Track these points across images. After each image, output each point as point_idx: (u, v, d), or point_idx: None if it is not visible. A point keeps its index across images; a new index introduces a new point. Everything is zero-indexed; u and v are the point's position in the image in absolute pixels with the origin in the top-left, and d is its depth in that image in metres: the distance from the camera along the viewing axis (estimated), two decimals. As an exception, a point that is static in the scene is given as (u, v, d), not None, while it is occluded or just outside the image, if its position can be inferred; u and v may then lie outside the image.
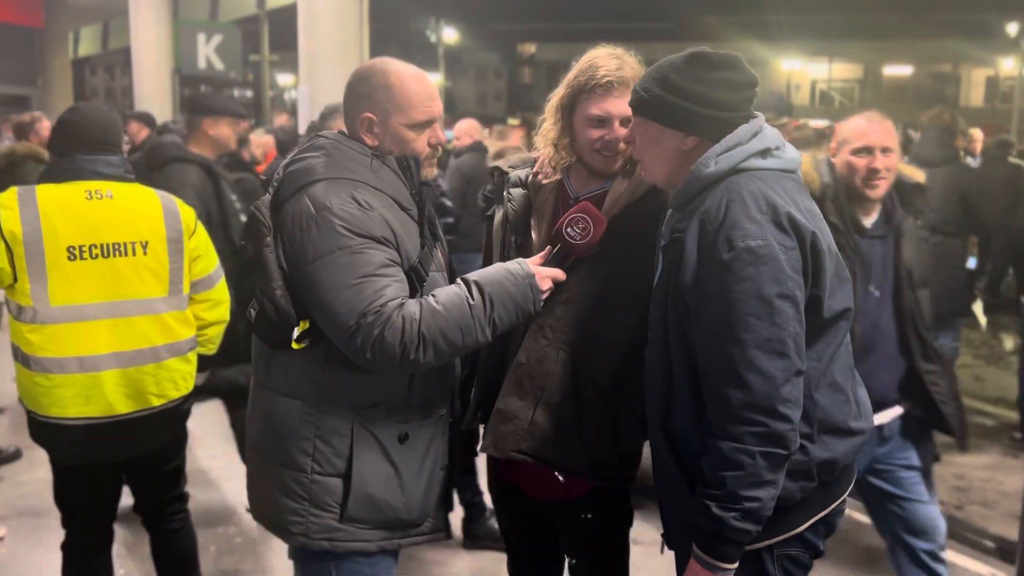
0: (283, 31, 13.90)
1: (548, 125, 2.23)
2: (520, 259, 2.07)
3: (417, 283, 2.01)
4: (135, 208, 2.72)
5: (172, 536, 3.07)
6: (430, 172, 2.13)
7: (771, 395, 1.71)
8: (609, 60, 2.14)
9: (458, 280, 2.02)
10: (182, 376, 2.82)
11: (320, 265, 1.90)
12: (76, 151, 2.70)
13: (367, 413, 2.03)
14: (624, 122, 2.11)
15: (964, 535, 4.16)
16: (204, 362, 2.97)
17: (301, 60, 9.69)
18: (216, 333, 2.96)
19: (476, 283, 1.99)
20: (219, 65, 14.69)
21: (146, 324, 2.71)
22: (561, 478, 2.22)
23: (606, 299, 2.13)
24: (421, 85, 2.06)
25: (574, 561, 2.40)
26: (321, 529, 2.04)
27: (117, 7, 15.84)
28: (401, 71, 2.06)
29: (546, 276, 2.06)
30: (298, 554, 2.16)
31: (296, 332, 1.97)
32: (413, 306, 1.92)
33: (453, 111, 24.15)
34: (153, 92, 14.00)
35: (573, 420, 2.15)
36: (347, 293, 1.88)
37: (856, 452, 1.96)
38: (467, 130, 6.33)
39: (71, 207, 2.63)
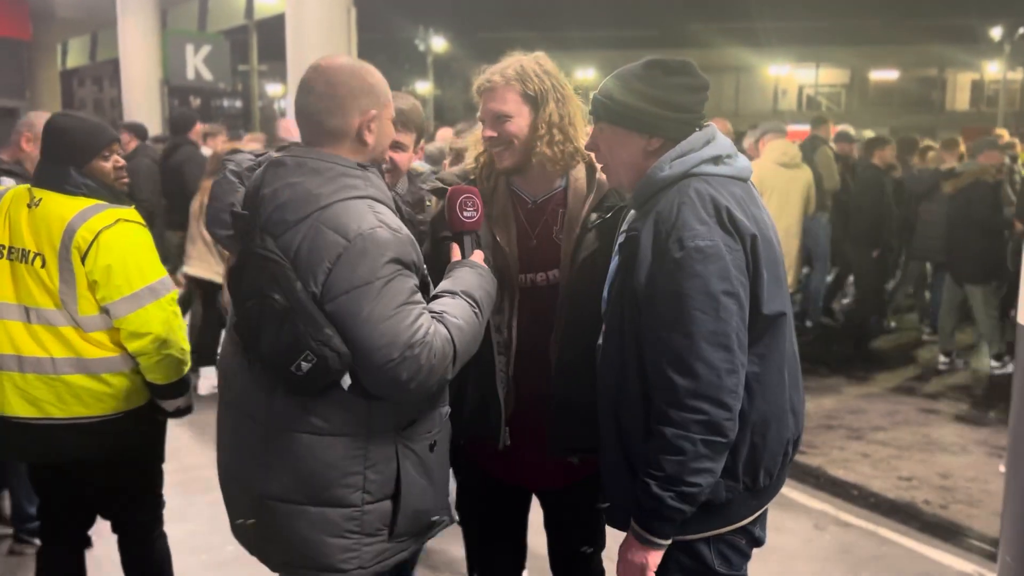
0: (272, 41, 13.89)
1: (479, 132, 2.36)
2: (465, 260, 2.15)
3: (428, 289, 2.04)
4: (46, 220, 2.68)
5: (135, 553, 3.03)
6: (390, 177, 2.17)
7: (715, 384, 1.82)
8: (495, 67, 2.29)
9: (444, 292, 2.04)
10: (94, 396, 2.71)
11: (355, 296, 1.84)
12: (42, 158, 2.80)
13: (407, 432, 2.03)
14: (499, 118, 2.25)
15: (949, 534, 4.21)
16: (159, 390, 2.81)
17: (290, 70, 9.71)
18: (148, 364, 2.73)
19: (467, 292, 2.05)
20: (208, 76, 14.68)
21: (44, 334, 2.68)
22: (576, 461, 2.33)
23: (596, 293, 2.19)
24: (383, 78, 2.08)
25: (589, 550, 2.49)
26: (374, 555, 2.04)
27: (105, 19, 15.78)
28: (368, 66, 2.06)
29: (484, 264, 2.18)
30: None
31: (348, 377, 1.89)
32: (440, 327, 1.93)
33: (443, 119, 24.18)
34: (142, 103, 13.91)
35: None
36: (385, 325, 1.83)
37: (783, 464, 2.04)
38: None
39: (14, 208, 2.74)
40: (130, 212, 2.77)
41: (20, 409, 2.71)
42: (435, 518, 2.15)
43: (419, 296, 1.93)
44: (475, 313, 2.03)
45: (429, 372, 1.88)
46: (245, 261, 1.91)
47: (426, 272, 2.02)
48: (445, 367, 1.92)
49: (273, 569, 2.15)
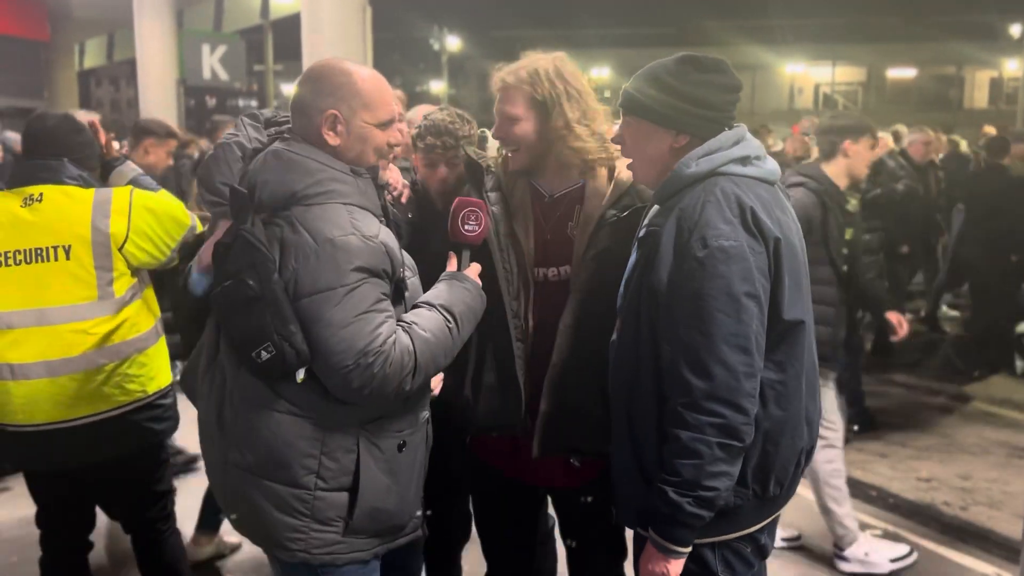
0: (287, 41, 13.93)
1: None
2: (456, 272, 2.14)
3: (403, 293, 2.03)
4: (60, 211, 2.64)
5: (148, 550, 3.03)
6: (387, 175, 2.15)
7: (732, 387, 1.79)
8: (511, 66, 2.28)
9: (423, 303, 2.04)
10: (129, 380, 2.72)
11: (318, 301, 1.86)
12: (26, 158, 2.76)
13: (371, 427, 2.02)
14: (508, 120, 2.25)
15: (969, 536, 4.17)
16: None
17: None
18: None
19: (445, 307, 2.04)
20: (224, 75, 14.76)
21: (74, 331, 2.62)
22: (577, 463, 2.31)
23: (609, 291, 2.17)
24: (381, 83, 2.05)
25: (573, 544, 2.49)
26: (322, 544, 2.02)
27: (122, 19, 15.89)
28: (359, 70, 2.03)
29: (477, 279, 2.15)
30: (285, 569, 2.10)
31: (302, 370, 1.91)
32: (404, 337, 1.93)
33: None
34: (158, 103, 13.99)
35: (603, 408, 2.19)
36: (344, 332, 1.85)
37: (794, 474, 2.01)
38: None
39: (4, 214, 2.64)
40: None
41: (56, 414, 2.63)
42: (399, 523, 2.11)
43: (385, 304, 1.92)
44: (448, 328, 2.01)
45: (383, 381, 1.87)
46: (234, 240, 1.91)
47: (403, 276, 2.01)
48: (402, 377, 1.90)
49: (236, 529, 2.16)
